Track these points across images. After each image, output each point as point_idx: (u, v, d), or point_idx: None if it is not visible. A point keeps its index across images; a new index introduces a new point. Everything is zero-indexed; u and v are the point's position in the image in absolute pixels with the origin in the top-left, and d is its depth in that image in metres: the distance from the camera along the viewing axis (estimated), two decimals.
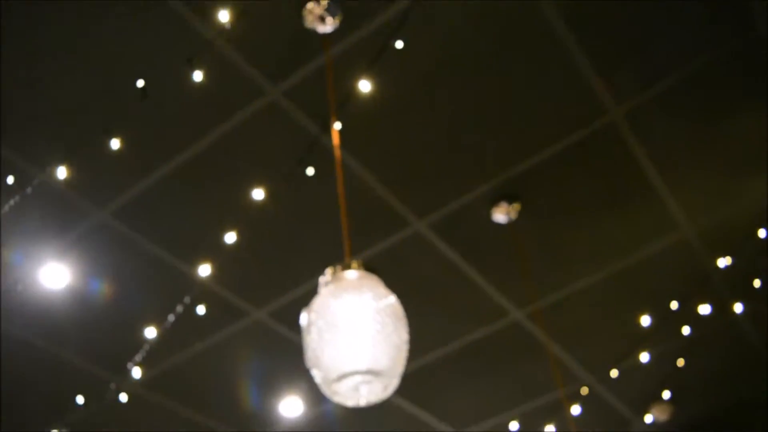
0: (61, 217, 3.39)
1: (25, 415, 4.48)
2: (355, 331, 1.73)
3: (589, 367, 4.72)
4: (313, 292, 3.59)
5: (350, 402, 1.75)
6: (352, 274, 1.85)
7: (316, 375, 1.76)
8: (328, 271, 1.88)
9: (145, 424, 4.72)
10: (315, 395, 4.63)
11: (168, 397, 4.49)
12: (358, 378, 1.71)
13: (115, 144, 2.95)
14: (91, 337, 4.00)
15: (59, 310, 3.77)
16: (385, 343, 1.73)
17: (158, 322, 3.82)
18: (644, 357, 4.34)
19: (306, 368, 4.24)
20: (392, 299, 1.82)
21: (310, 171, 3.15)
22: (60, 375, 4.18)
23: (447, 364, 4.53)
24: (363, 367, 1.70)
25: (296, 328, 4.08)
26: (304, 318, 1.83)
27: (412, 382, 4.59)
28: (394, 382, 1.75)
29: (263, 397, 4.58)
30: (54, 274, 3.57)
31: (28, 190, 3.11)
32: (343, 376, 1.71)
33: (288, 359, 4.32)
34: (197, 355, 4.20)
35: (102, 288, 3.72)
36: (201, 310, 3.82)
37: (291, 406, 4.63)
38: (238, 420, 4.78)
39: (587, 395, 4.76)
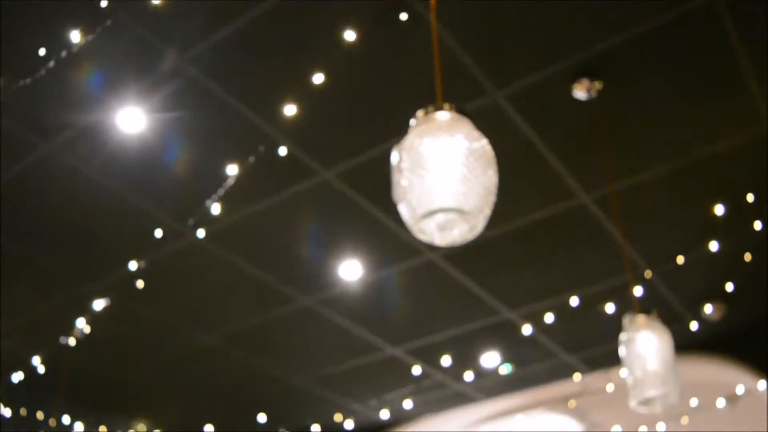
0: (139, 60, 3.40)
1: (92, 256, 4.64)
2: (444, 169, 1.72)
3: (649, 259, 4.70)
4: (385, 156, 3.60)
5: (436, 240, 1.75)
6: (444, 115, 1.83)
7: (404, 212, 1.76)
8: (420, 112, 1.86)
9: (206, 276, 4.87)
10: (374, 261, 4.71)
11: (231, 251, 4.59)
12: (445, 216, 1.71)
13: None
14: (161, 185, 4.07)
15: (133, 155, 3.83)
16: (475, 183, 1.72)
17: (227, 175, 3.87)
18: (712, 246, 4.28)
19: (366, 234, 4.32)
20: (484, 141, 1.80)
21: (404, 16, 3.08)
22: (128, 221, 4.29)
23: (508, 242, 4.53)
24: (451, 204, 1.69)
25: (363, 192, 4.11)
26: (394, 155, 1.82)
27: (470, 256, 4.63)
28: (480, 225, 1.75)
29: (324, 258, 4.67)
30: (130, 118, 3.62)
31: (108, 23, 3.10)
32: (430, 213, 1.71)
33: (352, 223, 4.37)
34: (263, 212, 4.26)
35: (175, 137, 3.76)
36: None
37: (350, 270, 4.72)
38: (297, 279, 4.89)
39: (644, 286, 4.76)
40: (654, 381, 2.95)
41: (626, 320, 3.11)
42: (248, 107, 3.59)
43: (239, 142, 3.76)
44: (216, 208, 4.05)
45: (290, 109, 3.46)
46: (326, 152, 3.87)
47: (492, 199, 1.78)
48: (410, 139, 1.81)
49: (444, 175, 1.72)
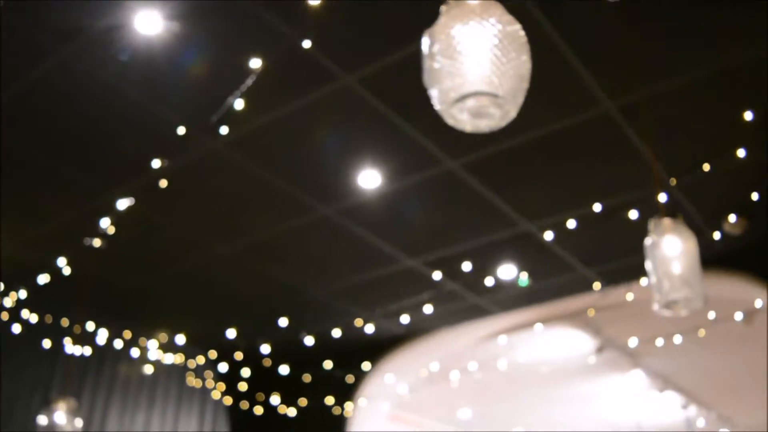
0: None
1: (112, 162, 4.63)
2: (477, 52, 1.67)
3: (672, 169, 4.64)
4: (409, 60, 3.53)
5: (468, 127, 1.71)
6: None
7: (435, 97, 1.71)
8: None
9: (224, 184, 4.86)
10: (394, 170, 4.67)
11: (249, 159, 4.56)
12: (477, 101, 1.66)
13: None
14: (178, 91, 4.02)
15: (151, 59, 3.77)
16: (509, 68, 1.67)
17: (246, 78, 3.81)
18: (738, 154, 4.21)
19: (386, 142, 4.26)
20: (518, 26, 1.74)
21: None
22: (146, 126, 4.26)
23: (529, 151, 4.47)
24: (484, 88, 1.64)
25: (385, 98, 4.04)
26: (425, 40, 1.77)
27: (491, 166, 4.60)
28: (513, 112, 1.70)
29: (343, 167, 4.64)
30: (147, 21, 3.54)
31: None
32: (462, 98, 1.66)
33: (372, 130, 4.32)
34: (282, 120, 4.21)
35: (193, 39, 3.69)
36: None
37: (369, 179, 4.69)
38: (316, 189, 4.87)
39: (667, 197, 4.71)
40: (678, 284, 2.94)
41: (652, 224, 3.08)
42: (267, 6, 3.50)
43: (258, 43, 3.68)
44: (235, 113, 4.00)
45: (311, 8, 3.36)
46: (348, 56, 3.79)
47: (525, 86, 1.73)
48: (442, 23, 1.75)
49: (477, 58, 1.66)
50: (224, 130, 4.14)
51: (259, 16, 3.51)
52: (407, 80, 3.90)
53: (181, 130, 4.20)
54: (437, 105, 1.71)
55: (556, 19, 3.57)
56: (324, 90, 4.00)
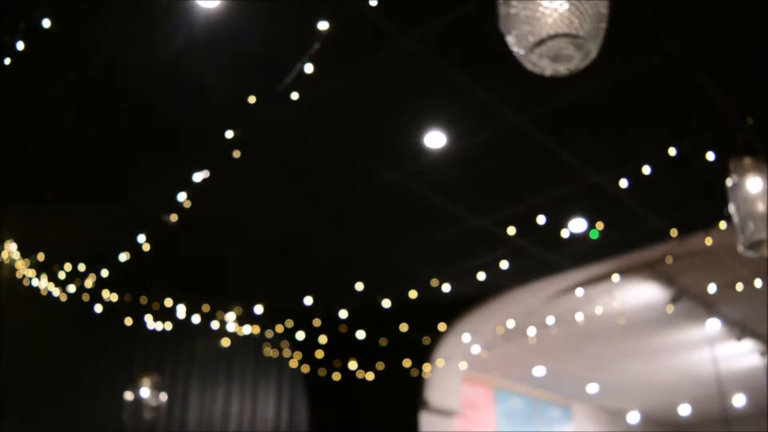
0: None
1: (183, 138, 4.72)
2: None
3: (744, 108, 4.50)
4: (468, 17, 3.47)
5: (548, 71, 1.69)
6: None
7: (513, 43, 1.69)
8: None
9: (292, 152, 4.90)
10: (458, 129, 4.65)
11: (316, 125, 4.59)
12: (557, 43, 1.64)
13: None
14: (242, 62, 4.05)
15: (214, 31, 3.80)
16: (587, 6, 1.64)
17: (310, 43, 3.81)
18: None
19: (449, 101, 4.20)
20: None
21: None
22: (213, 99, 4.31)
23: (595, 101, 4.39)
24: (564, 29, 1.62)
25: (449, 57, 4.00)
26: None
27: (557, 118, 4.53)
28: (593, 52, 1.68)
29: (407, 128, 4.62)
30: None
31: None
32: (542, 41, 1.64)
33: (435, 90, 4.29)
34: (346, 85, 4.21)
35: (253, 13, 3.71)
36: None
37: (434, 139, 4.67)
38: (381, 151, 4.88)
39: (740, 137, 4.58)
40: (763, 224, 2.87)
41: (732, 164, 3.01)
42: None
43: (318, 7, 3.66)
44: (302, 79, 4.01)
45: None
46: (408, 15, 3.75)
47: (604, 26, 1.70)
48: None
49: (555, 0, 1.64)
50: (294, 96, 4.17)
51: None
52: (467, 37, 3.87)
53: (251, 99, 4.24)
54: (515, 50, 1.69)
55: None
56: (385, 52, 3.98)
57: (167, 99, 4.31)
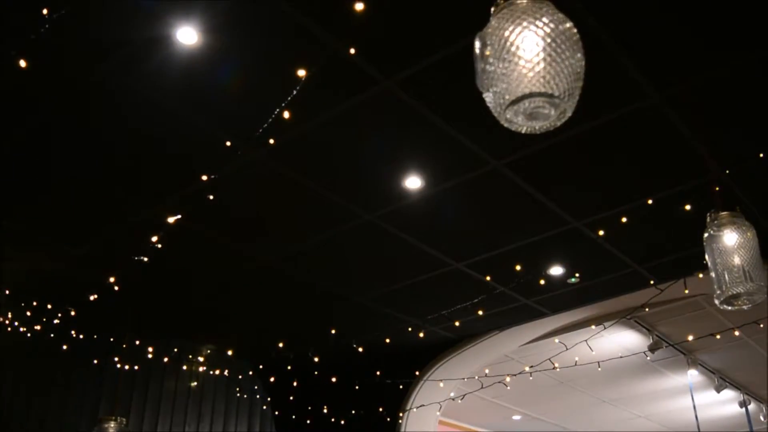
0: None
1: (155, 176, 4.65)
2: (531, 53, 1.61)
3: (722, 160, 4.51)
4: (448, 60, 3.46)
5: (523, 129, 1.66)
6: None
7: (490, 100, 1.66)
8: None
9: (268, 194, 4.84)
10: (437, 172, 4.62)
11: (292, 167, 4.54)
12: (532, 102, 1.60)
13: None
14: (220, 103, 4.01)
15: (192, 71, 3.75)
16: (563, 66, 1.61)
17: (288, 87, 3.77)
18: None
19: (427, 145, 4.18)
20: (569, 24, 1.68)
21: None
22: (189, 139, 4.25)
23: (574, 147, 4.38)
24: (540, 89, 1.59)
25: (425, 100, 3.99)
26: (477, 43, 1.72)
27: (535, 164, 4.52)
28: (569, 111, 1.65)
29: (385, 172, 4.59)
30: (188, 35, 3.53)
31: None
32: (517, 100, 1.61)
33: (413, 134, 4.26)
34: (323, 126, 4.17)
35: (233, 51, 3.67)
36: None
37: (412, 183, 4.64)
38: (358, 194, 4.84)
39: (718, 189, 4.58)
40: (740, 278, 2.84)
41: (709, 217, 2.99)
42: (305, 16, 3.46)
43: (298, 52, 3.64)
44: (280, 123, 3.97)
45: (350, 13, 3.31)
46: (387, 60, 3.73)
47: (580, 83, 1.67)
48: (492, 25, 1.69)
49: (530, 59, 1.61)
50: (271, 140, 4.13)
51: (298, 23, 3.48)
52: (447, 81, 3.86)
53: (226, 142, 4.19)
54: (491, 108, 1.66)
55: (595, 7, 3.47)
56: (364, 95, 3.95)
57: (140, 137, 4.26)
